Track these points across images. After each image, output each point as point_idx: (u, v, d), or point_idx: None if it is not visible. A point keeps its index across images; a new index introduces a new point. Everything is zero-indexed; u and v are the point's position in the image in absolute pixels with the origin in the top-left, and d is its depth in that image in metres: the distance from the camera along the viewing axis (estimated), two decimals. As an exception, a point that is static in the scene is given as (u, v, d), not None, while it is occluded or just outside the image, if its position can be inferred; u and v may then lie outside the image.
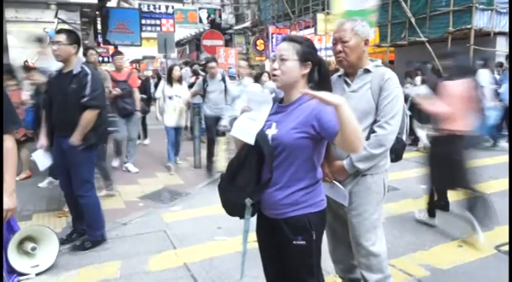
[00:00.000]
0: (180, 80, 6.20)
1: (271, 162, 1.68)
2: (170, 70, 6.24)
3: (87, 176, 3.43)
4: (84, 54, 5.43)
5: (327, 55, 14.75)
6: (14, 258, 2.94)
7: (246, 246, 1.84)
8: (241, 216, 1.78)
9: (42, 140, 3.47)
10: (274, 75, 1.73)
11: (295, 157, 1.68)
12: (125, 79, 5.96)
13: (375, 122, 2.10)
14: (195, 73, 9.51)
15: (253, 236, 1.89)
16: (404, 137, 2.30)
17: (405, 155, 2.37)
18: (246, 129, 1.69)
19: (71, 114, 3.22)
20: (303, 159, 1.69)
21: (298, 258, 1.78)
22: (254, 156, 1.70)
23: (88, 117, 3.25)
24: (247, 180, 1.72)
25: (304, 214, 1.72)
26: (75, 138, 3.23)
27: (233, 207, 1.80)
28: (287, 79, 1.72)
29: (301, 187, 1.71)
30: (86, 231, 3.51)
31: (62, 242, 3.35)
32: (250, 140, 1.66)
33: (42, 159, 3.51)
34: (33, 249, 3.05)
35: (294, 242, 1.73)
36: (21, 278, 2.95)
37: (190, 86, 8.14)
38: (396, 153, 2.27)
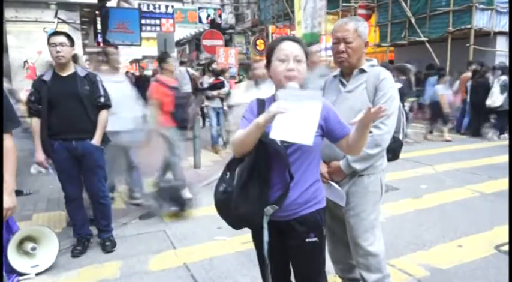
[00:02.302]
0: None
1: (289, 163, 1.64)
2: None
3: (105, 175, 3.48)
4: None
5: (327, 55, 14.76)
6: (14, 258, 2.94)
7: (267, 258, 1.77)
8: (255, 227, 1.74)
9: (42, 155, 3.19)
10: (291, 76, 1.67)
11: (307, 155, 1.69)
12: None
13: None
14: (215, 73, 8.63)
15: (250, 236, 1.87)
16: (401, 136, 2.30)
17: (405, 155, 2.38)
18: (295, 131, 1.51)
19: (88, 116, 3.21)
20: (312, 157, 1.71)
21: (310, 256, 1.79)
22: (263, 162, 1.65)
23: (105, 117, 3.32)
24: (261, 187, 1.65)
25: (316, 210, 1.74)
26: (97, 140, 3.25)
27: (246, 220, 1.72)
28: (303, 79, 1.72)
29: (310, 184, 1.72)
30: (105, 230, 3.51)
31: (75, 255, 3.32)
32: (308, 141, 1.50)
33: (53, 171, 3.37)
34: (33, 249, 3.05)
35: (307, 240, 1.73)
36: (21, 277, 2.95)
37: (211, 87, 7.91)
38: (393, 153, 2.28)
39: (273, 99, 1.73)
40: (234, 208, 1.68)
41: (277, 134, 1.52)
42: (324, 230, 1.78)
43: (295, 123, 1.51)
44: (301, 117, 1.51)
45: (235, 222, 1.76)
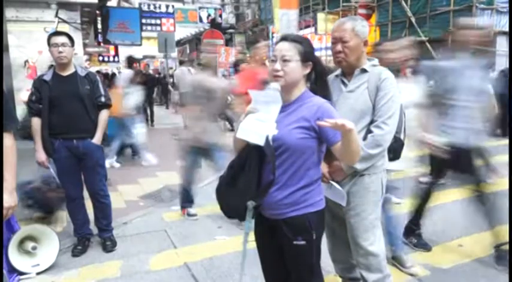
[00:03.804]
0: None
1: (274, 163, 1.66)
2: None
3: (106, 174, 3.48)
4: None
5: (327, 55, 14.75)
6: (14, 257, 2.95)
7: (246, 248, 1.83)
8: (241, 219, 1.77)
9: (43, 155, 3.20)
10: (276, 76, 1.69)
11: (297, 157, 1.68)
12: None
13: (372, 122, 2.10)
14: None
15: (252, 235, 1.89)
16: (402, 136, 2.30)
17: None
18: (254, 131, 1.63)
19: (89, 115, 3.22)
20: (304, 159, 1.70)
21: (299, 258, 1.78)
22: (255, 158, 1.68)
23: (106, 116, 3.34)
24: (248, 182, 1.69)
25: (303, 214, 1.72)
26: (98, 139, 3.27)
27: (233, 211, 1.79)
28: (290, 80, 1.70)
29: (301, 186, 1.71)
30: (105, 230, 3.51)
31: (76, 254, 3.32)
32: (261, 141, 1.61)
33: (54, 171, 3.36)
34: (34, 248, 3.05)
35: (294, 242, 1.73)
36: (21, 277, 2.95)
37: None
38: (394, 153, 2.27)
39: None
40: (223, 197, 1.77)
41: (241, 133, 1.65)
42: (314, 234, 1.75)
43: (257, 123, 1.62)
44: (264, 118, 1.62)
45: (225, 211, 1.82)
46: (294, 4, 11.99)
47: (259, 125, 1.62)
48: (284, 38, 1.76)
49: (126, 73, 6.87)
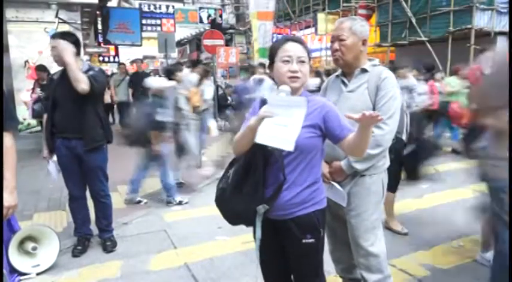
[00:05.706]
0: None
1: (283, 164, 1.65)
2: None
3: (106, 175, 3.46)
4: None
5: (327, 55, 14.76)
6: (15, 257, 2.94)
7: (259, 255, 1.80)
8: (249, 224, 1.76)
9: (45, 151, 3.29)
10: (294, 77, 1.68)
11: (304, 156, 1.68)
12: None
13: None
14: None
15: (250, 236, 1.87)
16: (404, 137, 2.29)
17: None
18: (279, 136, 1.53)
19: (86, 116, 3.21)
20: (310, 158, 1.70)
21: (306, 257, 1.78)
22: (260, 161, 1.66)
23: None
24: (255, 186, 1.66)
25: (312, 212, 1.73)
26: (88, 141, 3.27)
27: (240, 217, 1.76)
28: (305, 80, 1.72)
29: (308, 185, 1.72)
30: (106, 230, 3.51)
31: (76, 254, 3.32)
32: (289, 147, 1.52)
33: (55, 169, 3.39)
34: (34, 248, 3.05)
35: (303, 241, 1.73)
36: (22, 277, 2.95)
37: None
38: (395, 153, 2.27)
39: None
40: (228, 204, 1.73)
41: (261, 138, 1.56)
42: (322, 232, 1.77)
43: (279, 128, 1.54)
44: (286, 123, 1.54)
45: (231, 218, 1.80)
46: (269, 17, 13.89)
47: (282, 130, 1.54)
48: (291, 39, 1.75)
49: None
